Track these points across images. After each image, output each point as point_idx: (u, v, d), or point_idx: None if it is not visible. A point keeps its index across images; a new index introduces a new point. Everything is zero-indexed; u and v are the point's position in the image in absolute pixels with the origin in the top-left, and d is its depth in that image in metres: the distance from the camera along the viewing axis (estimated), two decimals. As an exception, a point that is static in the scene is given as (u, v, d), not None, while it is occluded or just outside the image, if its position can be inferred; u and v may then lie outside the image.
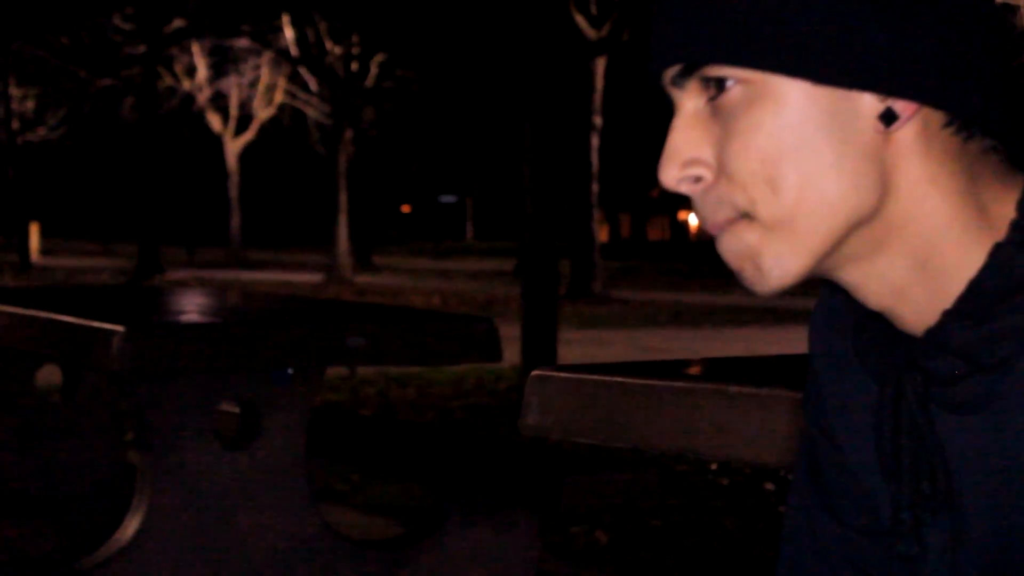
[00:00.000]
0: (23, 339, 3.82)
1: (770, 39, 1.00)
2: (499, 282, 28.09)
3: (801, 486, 1.21)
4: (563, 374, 2.02)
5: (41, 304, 3.89)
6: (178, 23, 31.27)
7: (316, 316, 3.79)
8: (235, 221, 40.69)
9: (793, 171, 1.01)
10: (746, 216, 1.03)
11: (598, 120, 22.32)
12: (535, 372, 2.05)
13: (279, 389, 3.56)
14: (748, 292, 1.08)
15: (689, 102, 1.05)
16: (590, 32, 22.24)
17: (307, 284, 26.63)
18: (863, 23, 1.00)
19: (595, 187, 22.29)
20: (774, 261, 1.03)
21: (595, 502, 3.48)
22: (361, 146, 35.98)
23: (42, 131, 39.87)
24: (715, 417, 1.81)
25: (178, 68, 38.01)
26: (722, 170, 1.03)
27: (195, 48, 37.06)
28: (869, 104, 1.01)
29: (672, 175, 1.05)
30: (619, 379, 1.94)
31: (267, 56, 36.09)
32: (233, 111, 39.51)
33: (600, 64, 22.46)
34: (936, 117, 1.02)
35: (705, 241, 41.81)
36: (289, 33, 30.68)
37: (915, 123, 1.02)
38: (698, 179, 1.05)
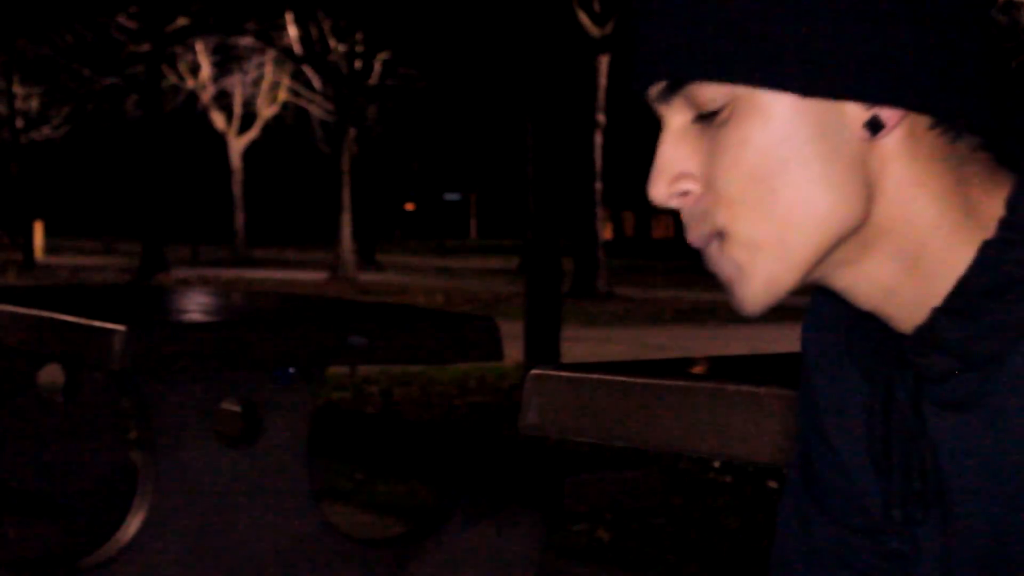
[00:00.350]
0: (25, 338, 3.82)
1: (754, 54, 1.00)
2: (503, 280, 28.10)
3: (795, 486, 1.21)
4: (562, 373, 2.02)
5: (43, 303, 3.89)
6: (182, 21, 31.26)
7: (318, 315, 3.79)
8: (239, 219, 40.72)
9: (783, 186, 1.00)
10: (719, 235, 1.03)
11: (602, 118, 22.33)
12: (534, 371, 2.05)
13: (281, 388, 3.56)
14: None
15: (676, 117, 1.05)
16: (593, 30, 22.24)
17: (311, 282, 26.64)
18: (846, 33, 0.99)
19: (599, 185, 22.31)
20: (764, 278, 1.03)
21: (598, 500, 3.48)
22: (365, 144, 35.97)
23: (46, 130, 39.87)
24: (714, 416, 1.81)
25: (182, 66, 38.02)
26: (710, 185, 1.03)
27: (199, 46, 37.07)
28: (854, 113, 1.00)
29: (661, 191, 1.05)
30: (617, 378, 1.94)
31: (271, 54, 36.12)
32: (237, 109, 39.55)
33: (603, 61, 22.47)
34: (922, 120, 1.02)
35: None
36: (293, 31, 30.68)
37: (901, 128, 1.02)
38: (686, 193, 1.05)
